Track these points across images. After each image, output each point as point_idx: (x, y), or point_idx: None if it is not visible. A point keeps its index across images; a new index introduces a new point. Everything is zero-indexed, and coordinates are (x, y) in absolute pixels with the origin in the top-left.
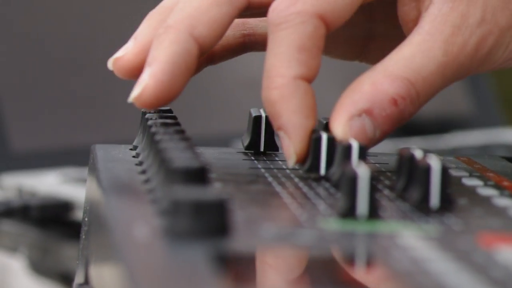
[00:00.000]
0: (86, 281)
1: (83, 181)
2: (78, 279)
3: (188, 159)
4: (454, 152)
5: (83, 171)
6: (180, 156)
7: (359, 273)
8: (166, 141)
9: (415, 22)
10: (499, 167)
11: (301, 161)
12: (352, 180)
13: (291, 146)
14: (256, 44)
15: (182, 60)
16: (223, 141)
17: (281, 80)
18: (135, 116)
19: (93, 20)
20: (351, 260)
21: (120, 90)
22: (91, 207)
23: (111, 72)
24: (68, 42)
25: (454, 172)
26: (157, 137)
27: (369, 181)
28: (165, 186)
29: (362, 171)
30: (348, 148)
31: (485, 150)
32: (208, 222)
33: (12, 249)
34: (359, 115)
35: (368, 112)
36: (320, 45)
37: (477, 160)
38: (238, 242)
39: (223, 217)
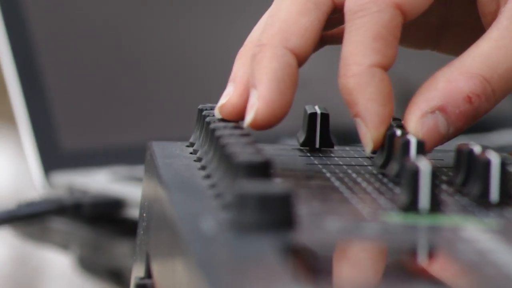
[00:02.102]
0: (148, 275)
1: (133, 179)
2: (137, 273)
3: (251, 154)
4: (501, 150)
5: (134, 169)
6: (243, 151)
7: (426, 264)
8: (227, 137)
9: (494, 15)
10: None
11: (378, 148)
12: (414, 173)
13: (368, 133)
14: (332, 37)
15: (285, 75)
16: (272, 139)
17: (357, 68)
18: (186, 114)
19: (146, 16)
20: (417, 252)
21: (170, 88)
22: (150, 203)
23: (162, 69)
24: (120, 38)
25: (509, 168)
26: (218, 133)
27: (431, 174)
28: (227, 181)
29: (424, 165)
30: (407, 143)
31: None
32: (274, 215)
33: (63, 246)
34: (432, 112)
35: (441, 109)
36: (397, 33)
37: None
38: (305, 235)
39: (289, 210)
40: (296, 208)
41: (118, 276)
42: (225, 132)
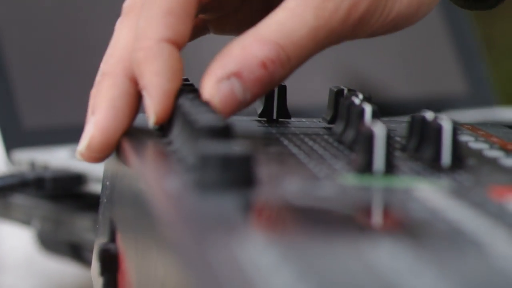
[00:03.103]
0: (111, 240)
1: None
2: (101, 239)
3: (212, 118)
4: None
5: None
6: (204, 116)
7: (379, 220)
8: (188, 105)
9: None
10: (501, 133)
11: (161, 121)
12: (369, 137)
13: (151, 106)
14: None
15: (123, 103)
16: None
17: (147, 42)
18: None
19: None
20: (371, 209)
21: None
22: (113, 171)
23: None
24: (82, 18)
25: (460, 138)
26: (178, 102)
27: (385, 138)
28: (190, 145)
29: (378, 129)
30: (362, 111)
31: None
32: (235, 175)
33: (25, 222)
34: (228, 78)
35: (237, 74)
36: (190, 11)
37: (480, 127)
38: (264, 193)
39: (249, 170)
40: (255, 169)
41: (78, 250)
42: (186, 101)
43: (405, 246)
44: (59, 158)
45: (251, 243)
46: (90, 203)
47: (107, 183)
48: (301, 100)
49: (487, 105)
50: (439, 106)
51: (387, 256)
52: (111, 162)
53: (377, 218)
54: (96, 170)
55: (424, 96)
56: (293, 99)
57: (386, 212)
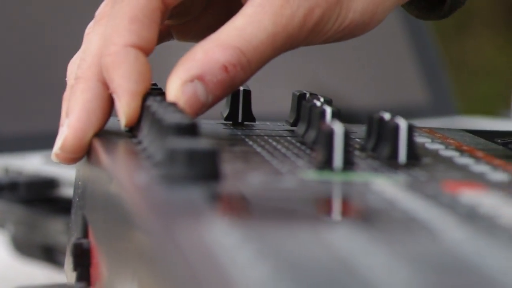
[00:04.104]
0: (84, 235)
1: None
2: (76, 236)
3: (179, 117)
4: None
5: None
6: (172, 115)
7: (337, 208)
8: (156, 105)
9: None
10: (458, 136)
11: (131, 123)
12: (329, 135)
13: (121, 108)
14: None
15: (96, 106)
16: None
17: (114, 48)
18: None
19: (75, 7)
20: (330, 199)
21: None
22: (85, 170)
23: None
24: (52, 29)
25: (417, 139)
26: (146, 103)
27: (344, 135)
28: (158, 142)
29: (338, 127)
30: (323, 112)
31: None
32: (201, 169)
33: None
34: (191, 81)
35: (200, 78)
36: (155, 17)
37: (438, 131)
38: (229, 186)
39: (215, 164)
40: (221, 163)
41: (51, 253)
42: (154, 103)
43: (361, 229)
44: (32, 164)
45: (216, 226)
46: (63, 206)
47: (79, 182)
48: (266, 107)
49: (448, 114)
50: (401, 114)
51: (342, 237)
52: (84, 163)
53: (335, 206)
54: (68, 175)
55: (386, 105)
56: (258, 105)
57: (344, 201)
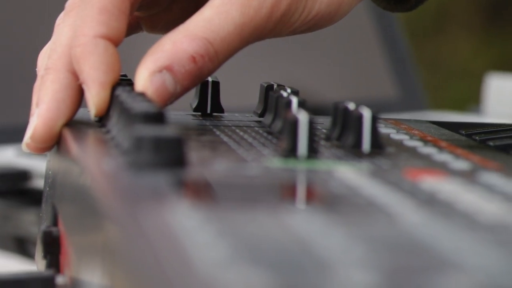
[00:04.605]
0: (54, 223)
1: (40, 155)
2: (46, 224)
3: (147, 106)
4: None
5: None
6: (139, 104)
7: (299, 193)
8: (124, 95)
9: None
10: (423, 127)
11: (101, 113)
12: (294, 123)
13: (90, 98)
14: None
15: (66, 96)
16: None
17: (83, 38)
18: None
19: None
20: (292, 185)
21: None
22: (55, 160)
23: None
24: (21, 21)
25: (382, 130)
26: (116, 93)
27: (308, 124)
28: (126, 131)
29: (302, 116)
30: (289, 103)
31: None
32: (167, 156)
33: None
34: (160, 71)
35: (168, 68)
36: (123, 8)
37: (403, 122)
38: (194, 173)
39: (181, 151)
40: (187, 151)
41: (23, 244)
42: (123, 93)
43: (320, 213)
44: (5, 156)
45: (178, 209)
46: (35, 198)
47: (50, 172)
48: (235, 98)
49: (418, 108)
50: (372, 109)
51: (301, 220)
52: (54, 152)
53: (297, 192)
54: (41, 167)
55: (357, 100)
56: (227, 97)
57: (306, 187)
